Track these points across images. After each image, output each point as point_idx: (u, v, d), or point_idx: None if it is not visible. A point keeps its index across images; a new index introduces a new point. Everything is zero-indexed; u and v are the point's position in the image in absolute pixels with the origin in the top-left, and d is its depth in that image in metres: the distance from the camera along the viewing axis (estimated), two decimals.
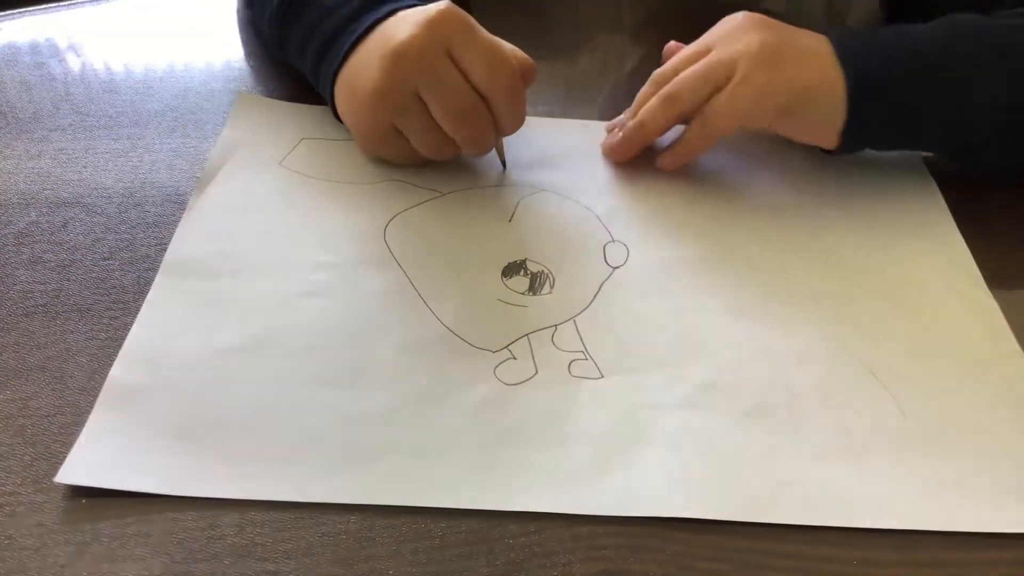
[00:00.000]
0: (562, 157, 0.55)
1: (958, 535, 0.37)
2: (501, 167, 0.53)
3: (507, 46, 0.49)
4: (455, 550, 0.35)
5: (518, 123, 0.50)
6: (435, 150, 0.50)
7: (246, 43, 0.64)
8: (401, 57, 0.46)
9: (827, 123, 0.51)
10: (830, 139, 0.51)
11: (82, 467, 0.36)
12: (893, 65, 0.50)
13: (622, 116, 0.56)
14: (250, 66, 0.62)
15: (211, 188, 0.50)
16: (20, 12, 0.66)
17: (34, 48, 0.63)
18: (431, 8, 0.47)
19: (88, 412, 0.38)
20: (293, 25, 0.54)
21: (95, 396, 0.39)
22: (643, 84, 0.54)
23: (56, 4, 0.68)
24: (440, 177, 0.52)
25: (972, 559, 0.36)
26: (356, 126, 0.51)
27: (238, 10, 0.67)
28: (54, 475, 0.36)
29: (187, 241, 0.47)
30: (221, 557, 0.34)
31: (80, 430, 0.38)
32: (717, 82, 0.50)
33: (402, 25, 0.47)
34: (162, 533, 0.35)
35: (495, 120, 0.49)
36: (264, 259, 0.46)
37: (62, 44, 0.63)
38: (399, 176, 0.52)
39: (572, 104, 0.60)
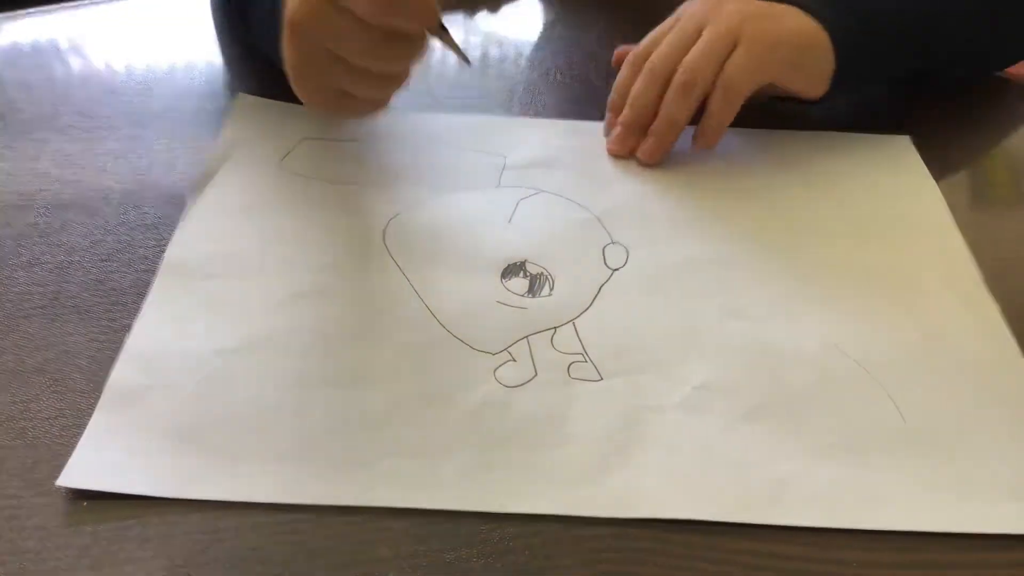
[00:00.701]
0: (561, 158, 0.55)
1: (958, 536, 0.36)
2: (467, 63, 0.50)
3: None
4: (455, 553, 0.35)
5: (424, 18, 0.45)
6: (383, 88, 0.48)
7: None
8: (297, 30, 0.45)
9: (821, 72, 0.54)
10: (822, 87, 0.55)
11: (84, 470, 0.36)
12: (865, 16, 0.54)
13: (610, 113, 0.56)
14: (250, 67, 0.62)
15: (210, 189, 0.50)
16: (21, 13, 0.66)
17: (35, 49, 0.63)
18: None
19: (89, 414, 0.38)
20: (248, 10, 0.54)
21: (95, 398, 0.39)
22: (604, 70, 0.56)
23: (57, 5, 0.67)
24: (440, 178, 0.52)
25: (972, 560, 0.36)
26: (305, 99, 0.49)
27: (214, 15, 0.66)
28: (55, 478, 0.36)
29: (186, 242, 0.47)
30: (222, 560, 0.34)
31: (81, 432, 0.38)
32: (725, 54, 0.52)
33: None
34: (163, 536, 0.35)
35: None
36: (263, 260, 0.46)
37: (63, 45, 0.63)
38: (399, 177, 0.52)
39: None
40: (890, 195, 0.53)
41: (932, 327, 0.45)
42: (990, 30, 0.58)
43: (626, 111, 0.55)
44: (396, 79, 0.48)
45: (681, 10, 0.56)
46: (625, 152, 0.55)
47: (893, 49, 0.55)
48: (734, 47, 0.52)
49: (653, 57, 0.54)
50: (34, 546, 0.34)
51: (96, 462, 0.36)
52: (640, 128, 0.54)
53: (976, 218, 0.53)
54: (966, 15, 0.56)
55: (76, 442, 0.37)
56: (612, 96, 0.57)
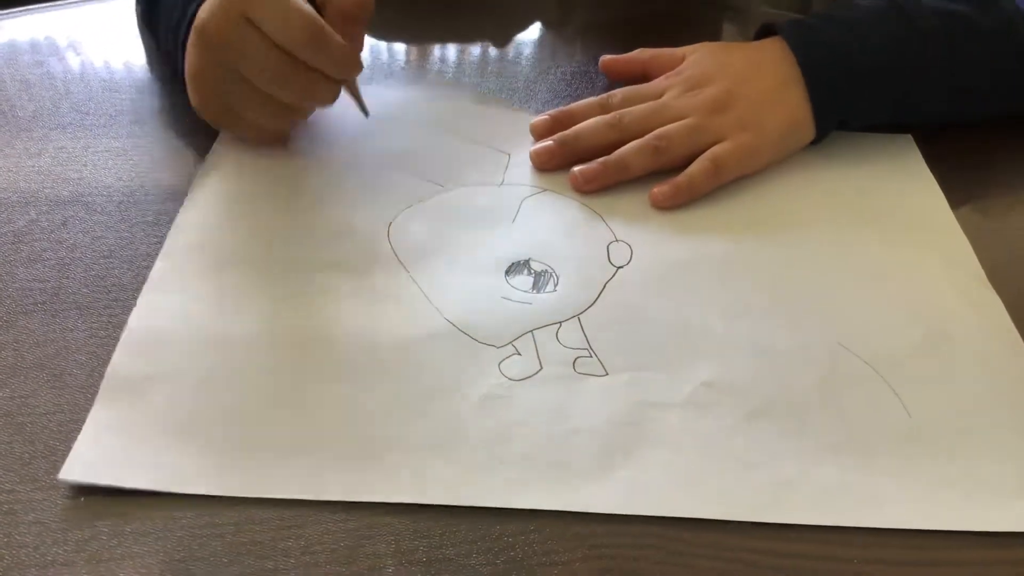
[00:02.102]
0: None
1: (960, 534, 0.36)
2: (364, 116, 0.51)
3: None
4: (455, 548, 0.35)
5: (345, 69, 0.47)
6: (275, 118, 0.48)
7: None
8: (203, 37, 0.45)
9: (801, 142, 0.55)
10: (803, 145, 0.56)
11: (85, 464, 0.36)
12: (853, 76, 0.54)
13: (550, 119, 0.55)
14: None
15: (212, 179, 0.50)
16: (20, 11, 0.66)
17: (34, 46, 0.63)
18: None
19: (87, 410, 0.38)
20: (157, 30, 0.55)
21: (94, 394, 0.39)
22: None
23: (56, 2, 0.68)
24: (445, 173, 0.52)
25: (974, 559, 0.36)
26: (196, 107, 0.50)
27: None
28: (53, 473, 0.36)
29: (186, 231, 0.47)
30: (220, 555, 0.34)
31: (80, 428, 0.38)
32: (702, 147, 0.52)
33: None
34: (161, 531, 0.34)
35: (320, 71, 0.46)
36: (267, 253, 0.46)
37: (62, 42, 0.63)
38: (404, 168, 0.52)
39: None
40: (892, 193, 0.53)
41: (936, 324, 0.45)
42: (985, 84, 0.56)
43: (571, 133, 0.53)
44: (294, 112, 0.49)
45: (674, 71, 0.56)
46: (544, 168, 0.53)
47: (872, 94, 0.54)
48: (712, 144, 0.52)
49: (629, 113, 0.53)
50: (32, 541, 0.34)
51: (97, 456, 0.36)
52: (572, 155, 0.53)
53: (976, 216, 0.52)
54: (951, 67, 0.55)
55: (75, 438, 0.37)
56: (562, 111, 0.55)
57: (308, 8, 0.45)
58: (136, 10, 0.64)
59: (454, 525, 0.35)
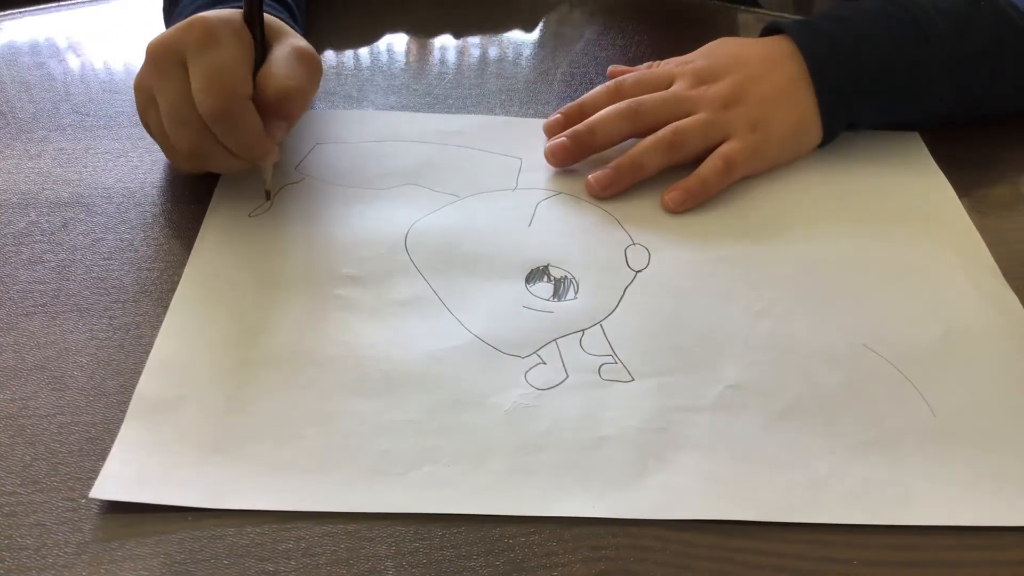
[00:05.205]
0: None
1: (960, 534, 0.36)
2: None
3: (277, 68, 0.46)
4: (454, 550, 0.35)
5: (248, 153, 0.46)
6: (169, 154, 0.48)
7: None
8: (148, 56, 0.46)
9: (810, 143, 0.55)
10: (813, 147, 0.56)
11: (116, 482, 0.36)
12: (860, 78, 0.54)
13: (562, 116, 0.55)
14: None
15: (227, 201, 0.49)
16: (20, 12, 0.66)
17: (34, 48, 0.63)
18: (196, 16, 0.45)
19: (87, 412, 0.38)
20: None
21: (94, 396, 0.39)
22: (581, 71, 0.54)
23: (56, 4, 0.68)
24: (457, 180, 0.52)
25: (973, 559, 0.36)
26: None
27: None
28: (53, 475, 0.36)
29: (207, 250, 0.46)
30: (221, 557, 0.34)
31: (78, 430, 0.38)
32: (715, 141, 0.52)
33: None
34: (162, 533, 0.35)
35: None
36: (287, 271, 0.46)
37: (62, 44, 0.63)
38: (416, 180, 0.52)
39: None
40: (903, 190, 0.54)
41: (955, 321, 0.45)
42: (986, 80, 0.56)
43: (583, 127, 0.53)
44: (185, 158, 0.47)
45: (673, 63, 0.57)
46: (560, 165, 0.53)
47: (879, 97, 0.55)
48: (722, 141, 0.52)
49: (644, 103, 0.53)
50: (32, 543, 0.34)
51: (128, 474, 0.36)
52: (587, 150, 0.53)
53: (981, 213, 0.52)
54: (956, 66, 0.55)
55: (75, 440, 0.37)
56: (573, 105, 0.55)
57: (238, 81, 0.44)
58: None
59: (454, 527, 0.35)
